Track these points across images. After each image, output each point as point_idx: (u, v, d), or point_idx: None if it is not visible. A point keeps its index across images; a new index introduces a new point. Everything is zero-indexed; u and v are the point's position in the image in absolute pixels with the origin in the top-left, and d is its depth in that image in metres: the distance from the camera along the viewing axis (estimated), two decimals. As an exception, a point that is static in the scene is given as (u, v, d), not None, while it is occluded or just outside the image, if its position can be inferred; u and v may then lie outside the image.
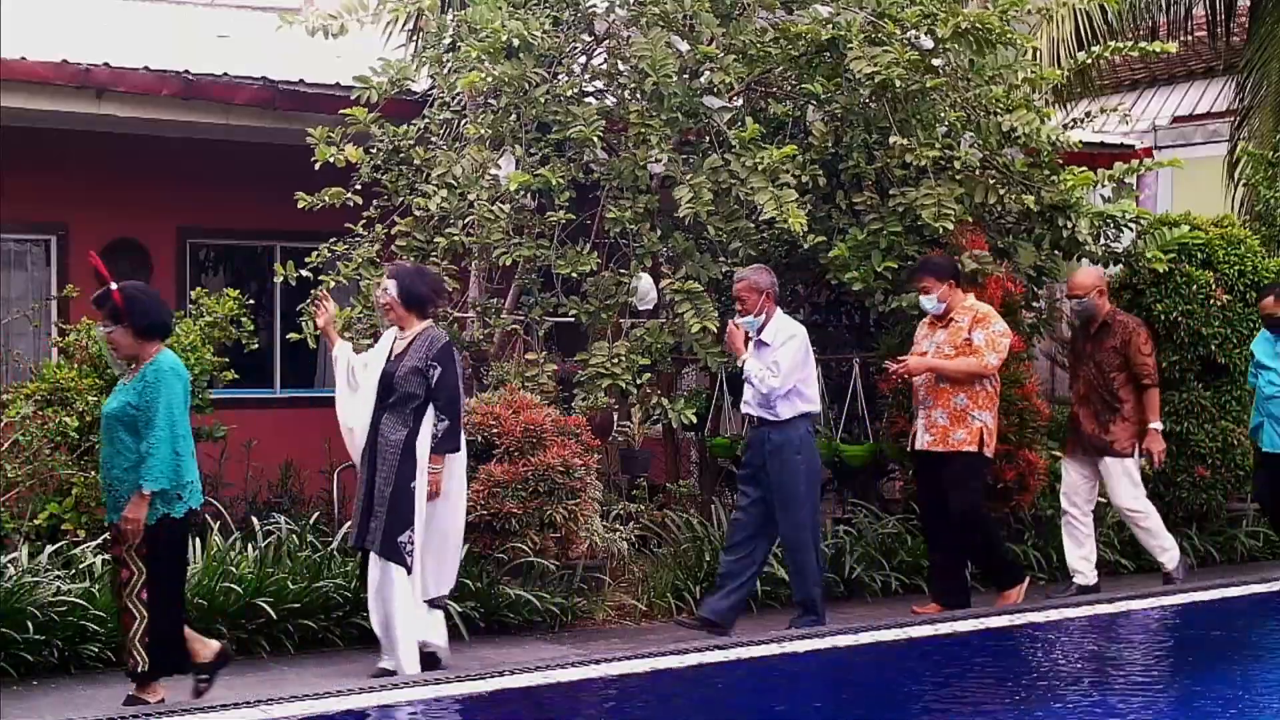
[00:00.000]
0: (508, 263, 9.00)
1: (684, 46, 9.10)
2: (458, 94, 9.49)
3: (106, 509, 6.51)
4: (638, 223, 8.91)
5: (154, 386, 6.26)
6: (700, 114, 9.12)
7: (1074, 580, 8.96)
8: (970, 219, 9.25)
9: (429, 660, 7.07)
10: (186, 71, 9.70)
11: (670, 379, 9.86)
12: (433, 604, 7.21)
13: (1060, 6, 11.51)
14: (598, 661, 6.45)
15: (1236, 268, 10.33)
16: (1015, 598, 8.33)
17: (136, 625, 6.31)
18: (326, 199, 9.10)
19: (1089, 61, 10.64)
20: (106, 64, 9.46)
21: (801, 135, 9.40)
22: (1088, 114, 11.57)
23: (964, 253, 9.03)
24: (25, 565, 7.28)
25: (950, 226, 8.84)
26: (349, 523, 7.59)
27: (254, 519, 8.24)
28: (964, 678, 6.36)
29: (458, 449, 7.23)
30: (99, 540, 7.52)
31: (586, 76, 9.75)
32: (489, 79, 8.87)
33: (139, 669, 6.34)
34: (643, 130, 8.81)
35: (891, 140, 8.94)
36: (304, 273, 9.16)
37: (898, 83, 8.79)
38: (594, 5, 9.52)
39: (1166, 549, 8.99)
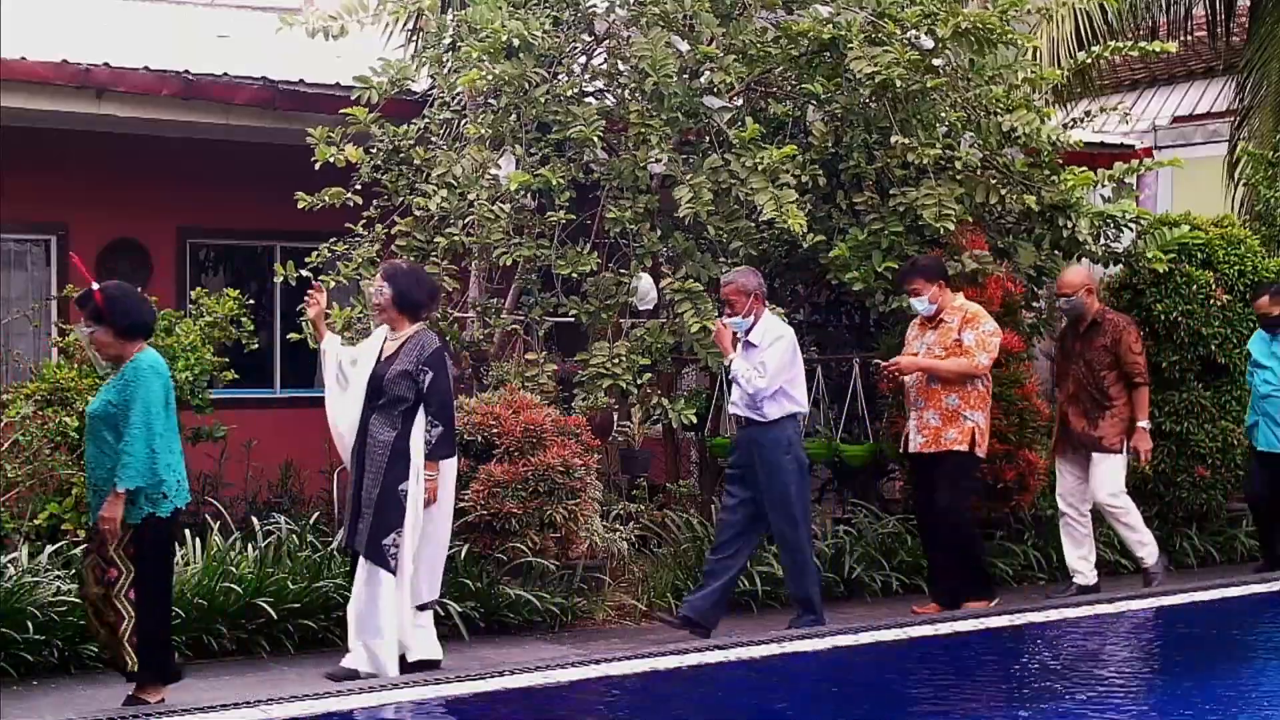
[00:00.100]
0: (508, 263, 9.00)
1: (684, 46, 9.11)
2: (458, 94, 9.49)
3: (91, 509, 6.47)
4: (638, 223, 8.91)
5: (132, 385, 6.23)
6: (700, 114, 9.12)
7: (1074, 580, 8.96)
8: (970, 219, 9.26)
9: (424, 666, 7.03)
10: (186, 71, 9.70)
11: (670, 379, 9.86)
12: (422, 608, 7.15)
13: (1060, 6, 11.52)
14: (598, 661, 6.46)
15: (1236, 268, 10.34)
16: (976, 609, 8.11)
17: (124, 625, 6.28)
18: (326, 199, 9.10)
19: (1089, 61, 10.63)
20: (106, 64, 9.46)
21: (801, 135, 9.41)
22: (1088, 114, 11.55)
23: (964, 253, 9.03)
24: (25, 565, 7.27)
25: (952, 227, 8.84)
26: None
27: (254, 519, 8.23)
28: (964, 678, 6.36)
29: (452, 454, 7.20)
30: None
31: (586, 76, 9.75)
32: (489, 78, 8.87)
33: (129, 668, 6.33)
34: (643, 130, 8.81)
35: (894, 139, 8.95)
36: (304, 273, 9.15)
37: (898, 83, 8.79)
38: (594, 5, 9.52)
39: (1146, 544, 8.98)
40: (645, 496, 9.52)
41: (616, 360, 8.67)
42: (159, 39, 11.32)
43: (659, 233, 9.17)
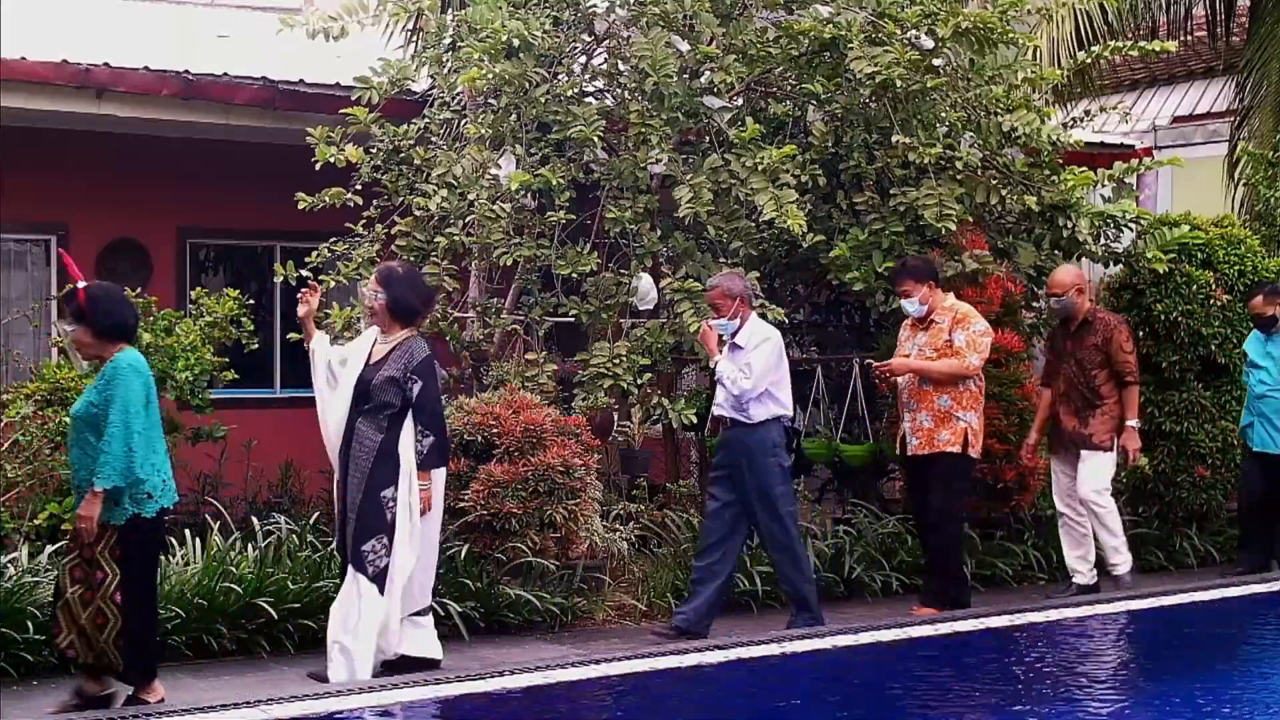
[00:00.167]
0: (508, 263, 9.00)
1: (684, 46, 9.10)
2: (458, 94, 9.49)
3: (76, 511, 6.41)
4: (638, 223, 8.91)
5: (112, 384, 6.18)
6: (700, 114, 9.12)
7: (1073, 580, 8.97)
8: (971, 219, 9.26)
9: (424, 666, 7.01)
10: (186, 71, 9.70)
11: (670, 379, 9.86)
12: (418, 614, 7.11)
13: (1060, 6, 11.51)
14: (598, 661, 6.47)
15: (1236, 268, 10.34)
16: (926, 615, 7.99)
17: (110, 627, 6.24)
18: (327, 199, 9.10)
19: (1089, 61, 10.63)
20: (106, 64, 9.46)
21: (801, 135, 9.41)
22: (1088, 113, 11.55)
23: (964, 253, 9.03)
24: (25, 565, 7.27)
25: (953, 227, 8.84)
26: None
27: (254, 519, 8.23)
28: (963, 677, 6.37)
29: (444, 463, 7.15)
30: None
31: (586, 76, 9.75)
32: (489, 78, 8.87)
33: (117, 668, 6.32)
34: (643, 130, 8.81)
35: (894, 139, 8.95)
36: (304, 273, 9.13)
37: (898, 82, 8.79)
38: (594, 5, 9.52)
39: (1121, 552, 8.94)
40: (645, 496, 9.52)
41: (616, 360, 8.66)
42: (159, 39, 11.32)
43: (659, 233, 9.17)
